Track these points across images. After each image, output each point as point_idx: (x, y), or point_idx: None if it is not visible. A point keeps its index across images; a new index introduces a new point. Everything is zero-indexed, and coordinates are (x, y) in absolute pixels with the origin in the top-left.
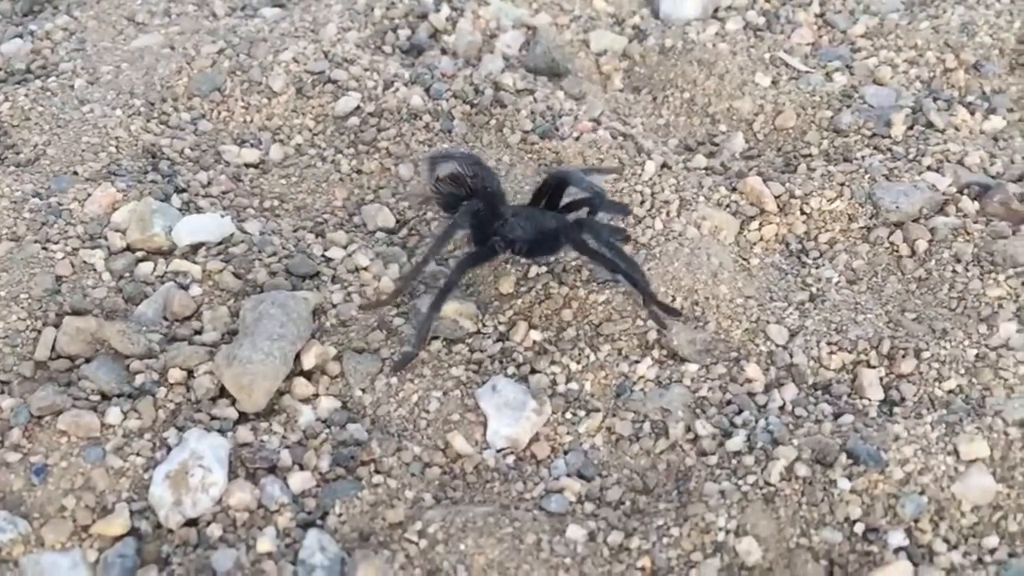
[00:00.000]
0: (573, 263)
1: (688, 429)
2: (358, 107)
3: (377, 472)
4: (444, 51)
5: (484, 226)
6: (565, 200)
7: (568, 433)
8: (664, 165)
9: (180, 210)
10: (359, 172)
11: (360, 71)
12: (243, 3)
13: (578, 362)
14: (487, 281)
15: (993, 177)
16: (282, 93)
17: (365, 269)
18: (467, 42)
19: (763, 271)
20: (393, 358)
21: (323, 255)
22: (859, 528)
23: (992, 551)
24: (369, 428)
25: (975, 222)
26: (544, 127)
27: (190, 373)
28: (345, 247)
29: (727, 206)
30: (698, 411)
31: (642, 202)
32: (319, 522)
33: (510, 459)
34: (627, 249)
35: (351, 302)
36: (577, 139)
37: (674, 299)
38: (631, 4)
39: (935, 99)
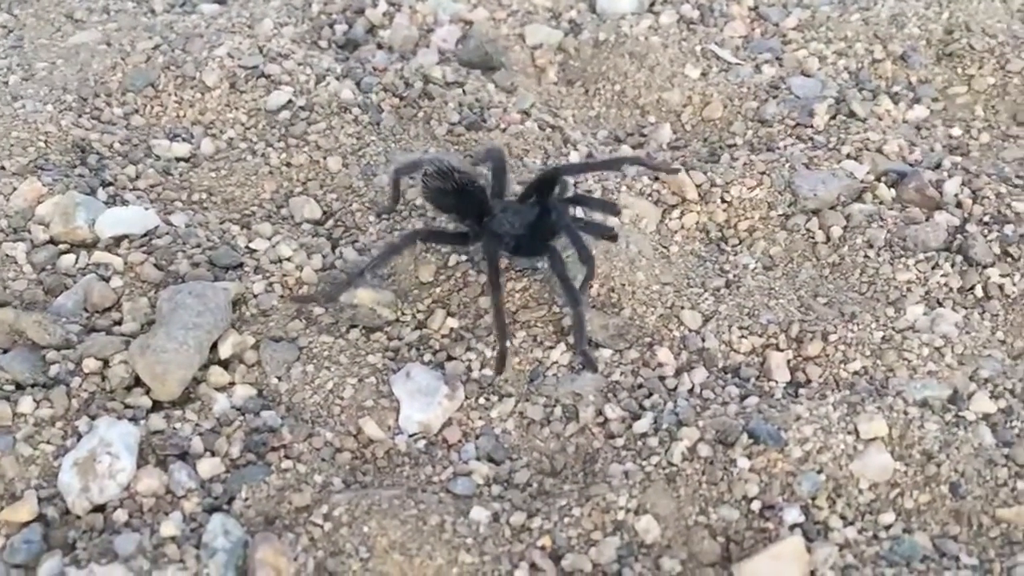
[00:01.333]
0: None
1: (598, 413)
2: (290, 101)
3: (287, 457)
4: (380, 46)
5: (472, 224)
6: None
7: (480, 418)
8: (589, 155)
9: (106, 203)
10: (288, 165)
11: (294, 65)
12: None
13: (493, 348)
14: (407, 270)
15: (911, 165)
16: (215, 88)
17: (288, 260)
18: (403, 36)
19: (682, 258)
20: (489, 361)
21: (247, 247)
22: (756, 506)
23: (888, 527)
24: (284, 415)
25: (890, 209)
26: (471, 119)
27: (106, 363)
28: (270, 238)
29: (649, 195)
30: (609, 395)
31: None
32: (225, 507)
33: (421, 444)
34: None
35: (272, 292)
36: (504, 130)
37: (591, 286)
38: None
39: (861, 89)
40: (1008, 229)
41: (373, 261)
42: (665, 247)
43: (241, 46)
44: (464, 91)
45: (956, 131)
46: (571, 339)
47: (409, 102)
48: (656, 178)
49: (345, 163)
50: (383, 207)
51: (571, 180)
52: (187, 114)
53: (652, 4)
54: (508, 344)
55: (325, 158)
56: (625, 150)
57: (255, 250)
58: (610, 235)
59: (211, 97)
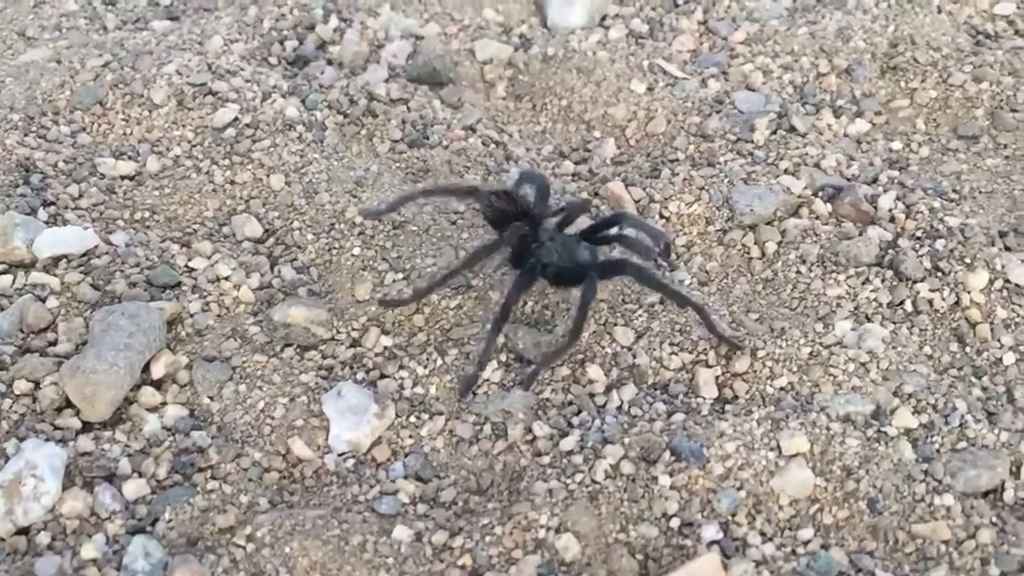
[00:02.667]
0: (428, 269)
1: (527, 430)
2: (236, 119)
3: (213, 478)
4: (330, 62)
5: (523, 248)
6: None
7: (410, 436)
8: (530, 170)
9: (46, 223)
10: (232, 183)
11: (241, 83)
12: (136, 16)
13: (425, 367)
14: (344, 288)
15: (848, 180)
16: (163, 105)
17: (226, 279)
18: (353, 52)
19: None
20: (456, 384)
21: (186, 266)
22: (675, 523)
23: (806, 543)
24: (214, 435)
25: (825, 224)
26: (413, 136)
27: (37, 384)
28: (209, 257)
29: (588, 212)
30: (539, 412)
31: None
32: (149, 528)
33: (350, 463)
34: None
35: (209, 311)
36: (446, 147)
37: (525, 303)
38: (521, 13)
39: (804, 103)
40: (939, 244)
41: (459, 265)
42: None
43: (190, 63)
44: (408, 108)
45: (896, 144)
46: (531, 369)
47: (352, 120)
48: (596, 193)
49: (288, 181)
50: (372, 212)
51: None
52: (134, 132)
53: (603, 19)
54: (480, 372)
55: (268, 176)
56: (567, 166)
57: (194, 269)
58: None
59: (158, 115)
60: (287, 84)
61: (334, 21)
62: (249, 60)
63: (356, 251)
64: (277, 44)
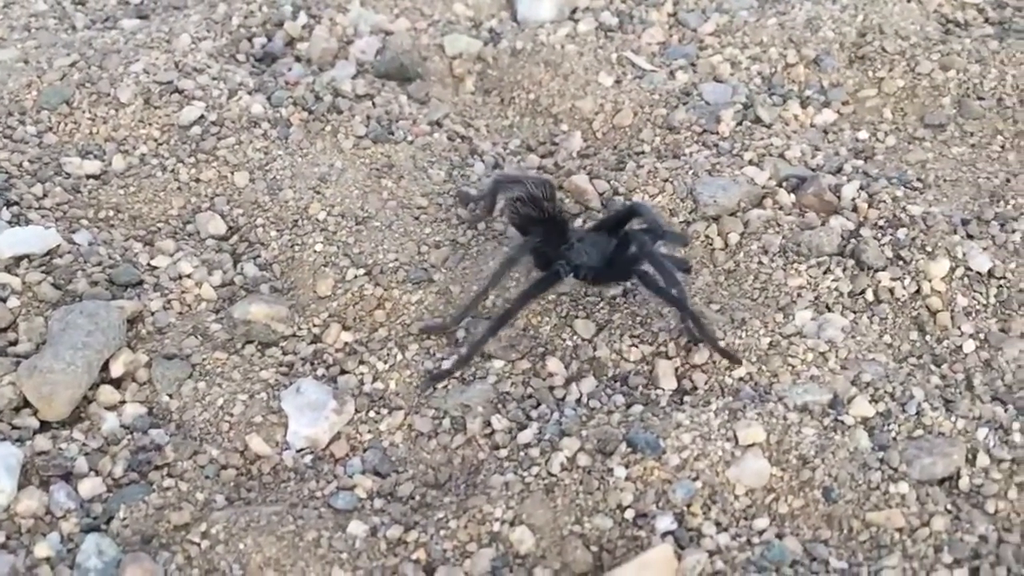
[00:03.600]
0: (389, 265)
1: (486, 424)
2: (201, 116)
3: (169, 476)
4: (298, 58)
5: (549, 251)
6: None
7: (369, 431)
8: (496, 165)
9: (9, 223)
10: (197, 181)
11: (208, 80)
12: (106, 15)
13: (385, 362)
14: (306, 284)
15: (813, 170)
16: (129, 104)
17: (188, 276)
18: (321, 48)
19: None
20: (421, 377)
21: (149, 264)
22: (629, 514)
23: (761, 532)
24: (172, 433)
25: (788, 214)
26: (377, 132)
27: None
28: (172, 255)
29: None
30: (499, 406)
31: (468, 203)
32: (103, 527)
33: (308, 459)
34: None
35: (170, 309)
36: (411, 143)
37: (490, 299)
38: (491, 7)
39: (771, 94)
40: (901, 233)
41: (493, 278)
42: None
43: (157, 61)
44: (374, 104)
45: (863, 134)
46: (704, 344)
47: (317, 116)
48: (560, 186)
49: (252, 178)
50: (476, 215)
51: None
52: (100, 131)
53: (574, 12)
54: (472, 358)
55: (233, 173)
56: (532, 159)
57: (156, 267)
58: (685, 267)
59: (125, 113)
60: (253, 81)
61: (303, 17)
62: (217, 58)
63: (319, 247)
64: (245, 41)
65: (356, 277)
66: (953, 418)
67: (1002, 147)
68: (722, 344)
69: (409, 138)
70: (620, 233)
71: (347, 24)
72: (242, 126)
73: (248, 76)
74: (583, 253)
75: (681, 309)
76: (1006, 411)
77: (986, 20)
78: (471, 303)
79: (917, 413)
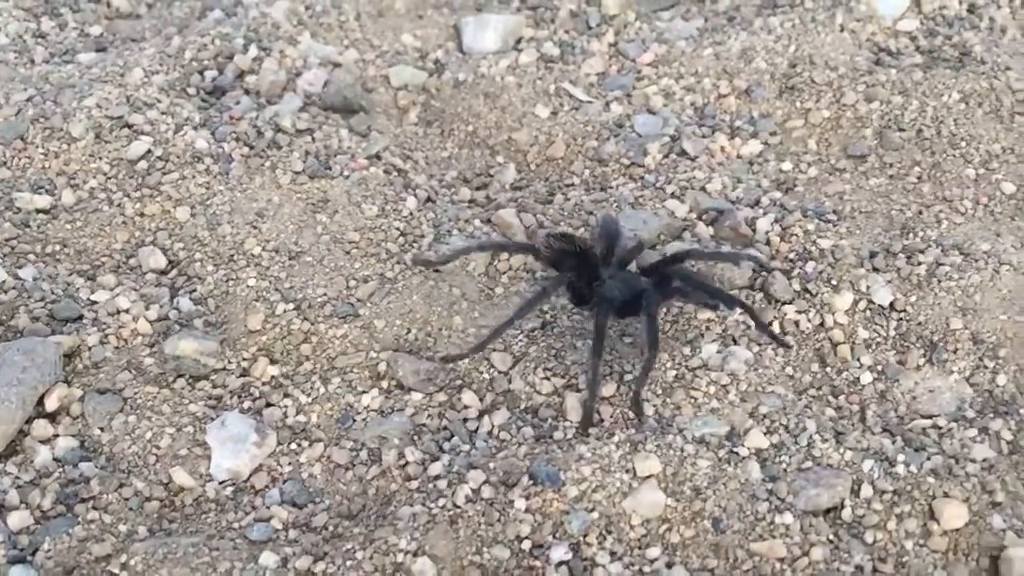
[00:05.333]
0: (318, 300)
1: (400, 456)
2: (148, 151)
3: (95, 508)
4: (247, 91)
5: (583, 286)
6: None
7: (289, 463)
8: (428, 199)
9: None
10: (141, 215)
11: (157, 115)
12: (65, 48)
13: (308, 395)
14: (238, 319)
15: (732, 202)
16: (81, 138)
17: (126, 311)
18: (270, 81)
19: (506, 299)
20: (575, 424)
21: (89, 299)
22: (526, 545)
23: (652, 561)
24: (102, 465)
25: (705, 247)
26: (315, 167)
27: None
28: (112, 290)
29: (479, 238)
30: (415, 438)
31: (398, 237)
32: (29, 558)
33: (229, 490)
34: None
35: (107, 344)
36: (347, 177)
37: (409, 331)
38: (438, 38)
39: (701, 125)
40: (810, 266)
41: (521, 309)
42: (491, 289)
43: (110, 96)
44: (313, 139)
45: (787, 165)
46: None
47: (258, 151)
48: (488, 220)
49: (193, 213)
50: (426, 260)
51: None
52: (52, 165)
53: (518, 42)
54: (595, 405)
55: (175, 208)
56: (464, 193)
57: (96, 302)
58: (714, 306)
59: (76, 148)
60: (199, 116)
61: (254, 50)
62: (168, 91)
63: (251, 282)
64: (197, 74)
65: (285, 311)
66: (842, 450)
67: (918, 178)
68: (640, 399)
69: (346, 173)
70: (656, 273)
71: (296, 56)
72: (186, 161)
73: (195, 111)
74: (614, 290)
75: (649, 346)
76: (893, 443)
77: (917, 49)
78: (494, 333)
79: (808, 445)
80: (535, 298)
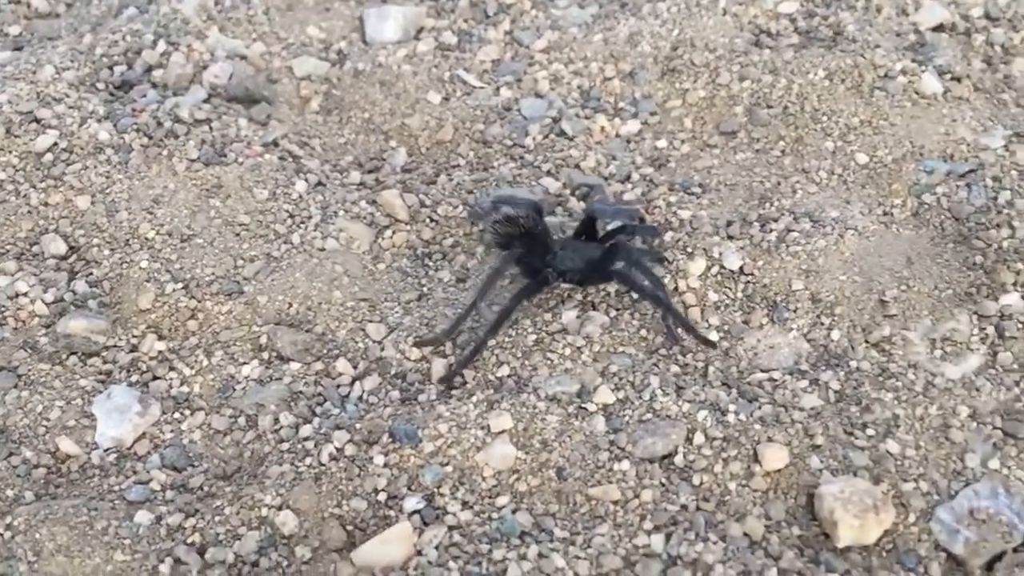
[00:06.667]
0: (207, 278)
1: (275, 421)
2: (55, 144)
3: None
4: (154, 85)
5: (535, 261)
6: (605, 231)
7: (171, 431)
8: (319, 183)
9: None
10: (46, 204)
11: (64, 109)
12: None
13: (192, 368)
14: (130, 299)
15: (605, 178)
16: None
17: (24, 294)
18: (176, 75)
19: (387, 275)
20: (419, 336)
21: None
22: (382, 496)
23: (500, 508)
24: None
25: (575, 220)
26: (209, 155)
27: None
28: (12, 275)
29: (364, 218)
30: (291, 404)
31: (286, 219)
32: None
33: (112, 457)
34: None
35: (5, 325)
36: (241, 164)
37: (291, 306)
38: (343, 30)
39: (585, 107)
40: (669, 235)
41: (481, 291)
42: (374, 265)
43: (21, 92)
44: (211, 128)
45: (662, 143)
46: (680, 334)
47: (156, 141)
48: (373, 201)
49: (93, 201)
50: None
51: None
52: None
53: (419, 32)
54: (477, 356)
55: (77, 197)
56: (354, 176)
57: None
58: (660, 258)
59: None
60: (104, 109)
61: (162, 45)
62: (77, 87)
63: (144, 264)
64: (106, 70)
65: (174, 291)
66: (680, 402)
67: (782, 152)
68: (701, 332)
69: (240, 160)
70: (601, 237)
71: (204, 50)
72: (89, 152)
73: (101, 104)
74: (567, 260)
75: (658, 303)
76: (729, 395)
77: (795, 30)
78: (461, 316)
79: (650, 399)
80: (489, 279)
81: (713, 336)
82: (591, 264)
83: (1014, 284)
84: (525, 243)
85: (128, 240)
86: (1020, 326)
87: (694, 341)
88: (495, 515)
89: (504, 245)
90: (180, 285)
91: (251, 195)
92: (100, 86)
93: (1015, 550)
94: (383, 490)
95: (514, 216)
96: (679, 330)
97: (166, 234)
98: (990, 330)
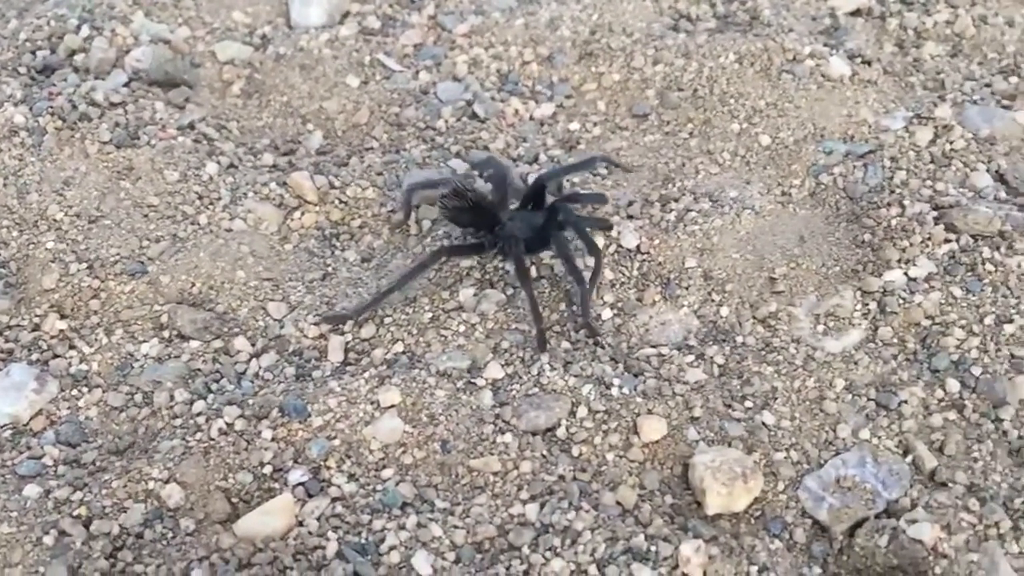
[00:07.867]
0: (111, 259)
1: (171, 397)
2: None
3: None
4: (76, 69)
5: (484, 233)
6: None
7: (68, 408)
8: (231, 165)
9: None
10: None
11: None
12: None
13: (92, 346)
14: (35, 279)
15: (513, 159)
16: None
17: None
18: (99, 59)
19: (294, 255)
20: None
21: None
22: (268, 469)
23: (385, 480)
24: None
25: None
26: (122, 137)
27: None
28: None
29: (273, 199)
30: (188, 381)
31: (195, 200)
32: None
33: (8, 433)
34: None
35: None
36: (153, 146)
37: (194, 285)
38: (268, 14)
39: (500, 91)
40: None
41: (402, 279)
42: (281, 246)
43: None
44: (126, 111)
45: (574, 125)
46: (576, 311)
47: (70, 124)
48: (284, 183)
49: (4, 183)
50: (396, 221)
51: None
52: None
53: (345, 16)
54: (543, 325)
55: None
56: (267, 159)
57: None
58: (606, 226)
59: None
60: (21, 93)
61: (86, 30)
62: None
63: (50, 245)
64: (29, 54)
65: (78, 271)
66: (567, 377)
67: (689, 134)
68: (591, 321)
69: (153, 142)
70: (546, 206)
71: (128, 35)
72: (3, 135)
73: (19, 88)
74: (516, 229)
75: (578, 282)
76: (615, 370)
77: (715, 15)
78: (376, 299)
79: (538, 374)
80: (414, 270)
81: (604, 326)
82: (536, 231)
83: (899, 261)
84: (474, 215)
85: (36, 221)
86: (901, 301)
87: (582, 328)
88: (379, 487)
89: (453, 219)
90: (84, 265)
91: (161, 177)
92: (22, 70)
93: (877, 516)
94: (269, 463)
95: (460, 190)
96: (575, 309)
97: (74, 215)
98: (872, 306)
